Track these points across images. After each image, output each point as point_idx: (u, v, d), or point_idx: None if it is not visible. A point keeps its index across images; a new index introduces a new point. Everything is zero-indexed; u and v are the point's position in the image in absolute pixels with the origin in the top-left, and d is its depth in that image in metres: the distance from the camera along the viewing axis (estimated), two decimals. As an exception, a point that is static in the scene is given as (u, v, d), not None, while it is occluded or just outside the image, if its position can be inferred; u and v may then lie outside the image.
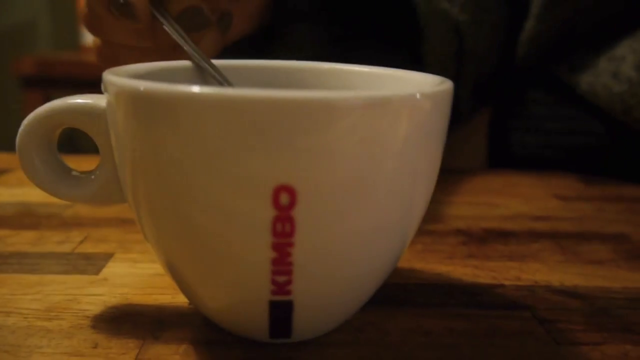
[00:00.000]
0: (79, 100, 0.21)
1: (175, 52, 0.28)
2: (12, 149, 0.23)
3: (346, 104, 0.16)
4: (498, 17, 0.48)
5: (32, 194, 0.35)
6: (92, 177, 0.22)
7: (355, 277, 0.19)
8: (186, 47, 0.25)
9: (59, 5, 1.87)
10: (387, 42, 0.44)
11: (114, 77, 0.18)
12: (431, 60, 0.47)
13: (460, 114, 0.51)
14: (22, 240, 0.28)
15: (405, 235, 0.20)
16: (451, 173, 0.44)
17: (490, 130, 0.54)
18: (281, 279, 0.17)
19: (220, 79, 0.24)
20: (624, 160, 0.46)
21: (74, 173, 0.22)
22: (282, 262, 0.17)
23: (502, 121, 0.52)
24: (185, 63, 0.24)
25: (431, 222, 0.33)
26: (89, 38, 1.69)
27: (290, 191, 0.16)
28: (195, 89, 0.16)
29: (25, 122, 0.21)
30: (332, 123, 0.16)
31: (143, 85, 0.16)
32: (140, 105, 0.17)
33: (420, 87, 0.22)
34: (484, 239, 0.30)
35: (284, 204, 0.16)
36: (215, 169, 0.16)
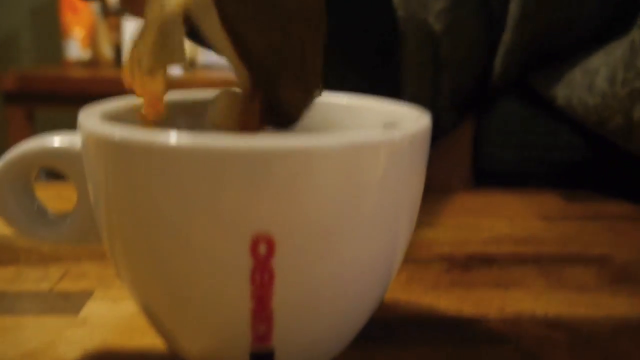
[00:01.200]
0: (55, 142, 0.20)
1: None
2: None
3: (323, 150, 0.15)
4: (473, 28, 0.48)
5: (11, 226, 0.34)
6: (69, 218, 0.22)
7: (337, 322, 0.18)
8: None
9: (42, 19, 1.86)
10: (363, 48, 0.44)
11: (89, 122, 0.18)
12: (408, 66, 0.47)
13: (442, 127, 0.52)
14: (0, 279, 0.28)
15: (389, 274, 0.20)
16: (433, 192, 0.44)
17: (473, 146, 0.54)
18: (261, 328, 0.17)
19: None
20: (605, 175, 0.47)
21: (50, 214, 0.22)
22: (261, 311, 0.16)
23: (485, 137, 0.53)
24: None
25: (415, 248, 0.33)
26: (71, 52, 1.68)
27: (269, 241, 0.16)
28: (172, 138, 0.15)
29: (-1, 165, 0.20)
30: (309, 171, 0.15)
31: (118, 133, 0.16)
32: (115, 153, 0.16)
33: (398, 121, 0.22)
34: (467, 266, 0.30)
35: (263, 254, 0.16)
36: (192, 219, 0.16)
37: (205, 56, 1.65)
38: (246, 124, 0.21)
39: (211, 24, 0.19)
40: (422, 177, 0.20)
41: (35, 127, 1.56)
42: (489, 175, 0.52)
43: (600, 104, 0.43)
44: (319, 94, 0.22)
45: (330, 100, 0.25)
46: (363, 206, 0.17)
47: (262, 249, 0.16)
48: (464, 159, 0.55)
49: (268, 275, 0.16)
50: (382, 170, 0.17)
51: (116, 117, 0.20)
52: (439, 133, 0.52)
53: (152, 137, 0.16)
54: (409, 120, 0.21)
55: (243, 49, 0.19)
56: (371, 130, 0.22)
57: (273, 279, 0.16)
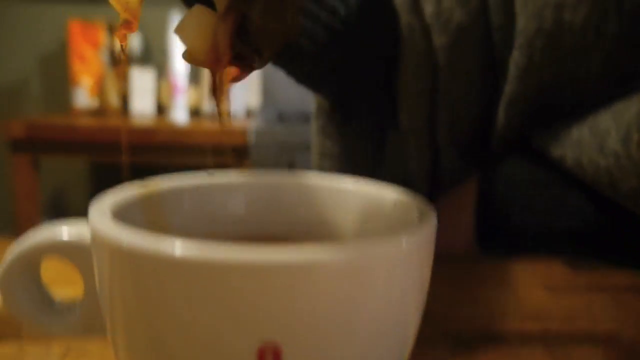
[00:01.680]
0: (64, 235, 0.21)
1: None
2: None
3: (325, 264, 0.16)
4: (474, 68, 0.48)
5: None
6: (76, 309, 0.22)
7: None
8: None
9: (50, 68, 1.90)
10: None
11: (99, 221, 0.18)
12: (405, 94, 0.47)
13: (443, 166, 0.51)
14: (1, 356, 0.28)
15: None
16: (437, 260, 0.43)
17: (478, 209, 0.54)
18: None
19: None
20: (613, 242, 0.46)
21: (57, 304, 0.22)
22: (267, 420, 0.16)
23: (490, 200, 0.53)
24: (173, 185, 0.24)
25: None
26: (79, 101, 1.71)
27: (276, 350, 0.16)
28: (178, 249, 0.15)
29: (8, 258, 0.21)
30: (312, 283, 0.16)
31: (126, 239, 0.16)
32: (123, 259, 0.17)
33: (402, 214, 0.22)
34: (473, 345, 0.30)
35: (269, 364, 0.16)
36: (198, 328, 0.16)
37: (210, 105, 1.67)
38: (215, 47, 0.20)
39: None
40: (428, 270, 0.20)
41: (41, 175, 1.57)
42: (494, 238, 0.51)
43: (613, 165, 0.42)
44: (294, 38, 0.21)
45: (340, 186, 0.25)
46: (369, 310, 0.17)
47: (269, 357, 0.16)
48: (468, 222, 0.55)
49: (274, 385, 0.16)
50: (388, 275, 0.17)
51: (126, 211, 0.20)
52: (441, 172, 0.51)
53: (158, 246, 0.16)
54: (415, 211, 0.21)
55: None
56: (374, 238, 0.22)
57: (279, 388, 0.16)
